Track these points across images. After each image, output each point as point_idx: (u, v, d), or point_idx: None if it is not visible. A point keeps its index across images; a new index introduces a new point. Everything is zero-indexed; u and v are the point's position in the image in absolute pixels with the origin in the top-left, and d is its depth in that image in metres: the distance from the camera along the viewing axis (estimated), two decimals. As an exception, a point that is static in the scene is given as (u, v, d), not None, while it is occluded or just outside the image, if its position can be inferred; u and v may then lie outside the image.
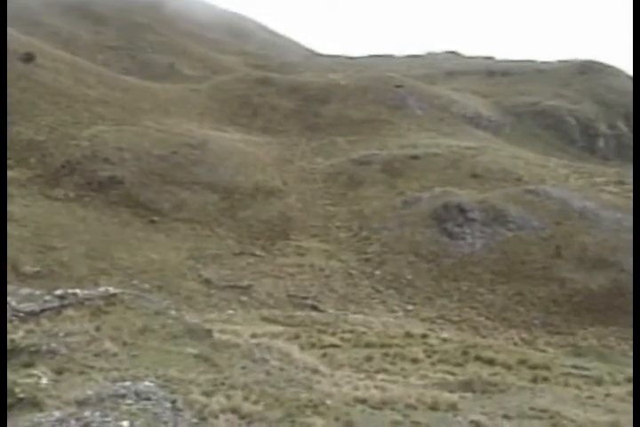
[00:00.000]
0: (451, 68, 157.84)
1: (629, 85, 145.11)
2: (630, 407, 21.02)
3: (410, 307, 63.17)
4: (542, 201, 77.95)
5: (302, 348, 26.73)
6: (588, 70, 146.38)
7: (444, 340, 34.00)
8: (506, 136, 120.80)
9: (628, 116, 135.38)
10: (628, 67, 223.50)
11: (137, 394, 13.17)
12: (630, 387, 25.27)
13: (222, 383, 14.83)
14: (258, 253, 70.29)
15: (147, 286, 53.93)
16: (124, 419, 11.82)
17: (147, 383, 13.92)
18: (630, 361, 50.99)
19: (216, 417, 12.85)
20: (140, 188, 74.73)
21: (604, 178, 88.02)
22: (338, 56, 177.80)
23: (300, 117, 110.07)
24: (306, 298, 60.60)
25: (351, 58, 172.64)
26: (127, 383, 13.55)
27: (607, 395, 23.06)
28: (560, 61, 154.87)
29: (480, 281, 68.18)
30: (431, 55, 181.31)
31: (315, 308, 57.71)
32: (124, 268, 60.33)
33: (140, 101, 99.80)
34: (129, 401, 12.67)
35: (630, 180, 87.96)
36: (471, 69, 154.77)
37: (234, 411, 13.24)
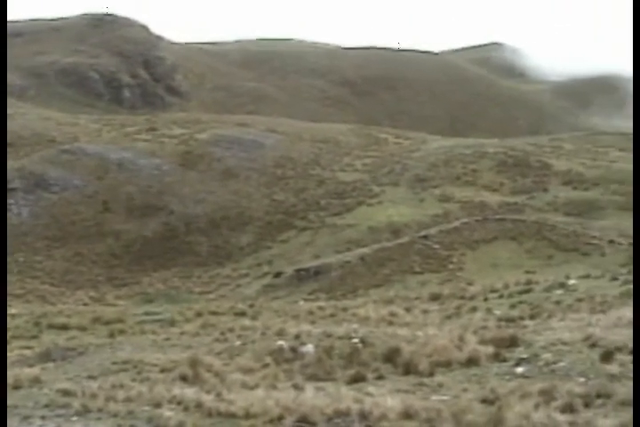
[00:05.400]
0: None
1: (145, 35, 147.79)
2: (203, 340, 22.15)
3: (-32, 289, 60.36)
4: (80, 159, 77.79)
5: None
6: (102, 23, 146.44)
7: (13, 315, 33.01)
8: (31, 99, 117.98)
9: (147, 64, 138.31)
10: (140, 17, 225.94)
11: None
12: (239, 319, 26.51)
13: None
14: None
15: None
16: None
17: None
18: (196, 297, 53.32)
19: None
20: None
21: (136, 127, 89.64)
22: None
23: None
24: None
25: None
26: None
27: (182, 333, 23.98)
28: (72, 17, 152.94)
29: (35, 249, 66.88)
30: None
31: None
32: None
33: None
34: None
35: (161, 125, 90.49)
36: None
37: None
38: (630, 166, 77.19)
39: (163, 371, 17.74)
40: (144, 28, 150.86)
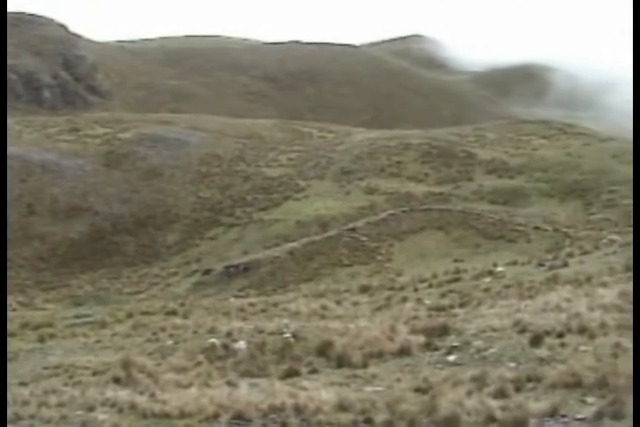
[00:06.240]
0: None
1: (63, 34, 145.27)
2: (135, 340, 21.96)
3: None
4: (2, 161, 76.29)
5: None
6: (20, 22, 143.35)
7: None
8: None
9: (68, 64, 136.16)
10: (56, 15, 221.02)
11: None
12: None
13: None
14: None
15: None
16: None
17: None
18: (127, 298, 52.83)
19: None
20: None
21: (58, 128, 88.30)
22: None
23: None
24: None
25: None
26: None
27: (113, 335, 23.74)
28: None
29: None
30: None
31: None
32: None
33: None
34: None
35: (84, 125, 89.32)
36: None
37: None
38: (553, 153, 78.77)
39: (95, 374, 17.57)
40: (62, 26, 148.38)
